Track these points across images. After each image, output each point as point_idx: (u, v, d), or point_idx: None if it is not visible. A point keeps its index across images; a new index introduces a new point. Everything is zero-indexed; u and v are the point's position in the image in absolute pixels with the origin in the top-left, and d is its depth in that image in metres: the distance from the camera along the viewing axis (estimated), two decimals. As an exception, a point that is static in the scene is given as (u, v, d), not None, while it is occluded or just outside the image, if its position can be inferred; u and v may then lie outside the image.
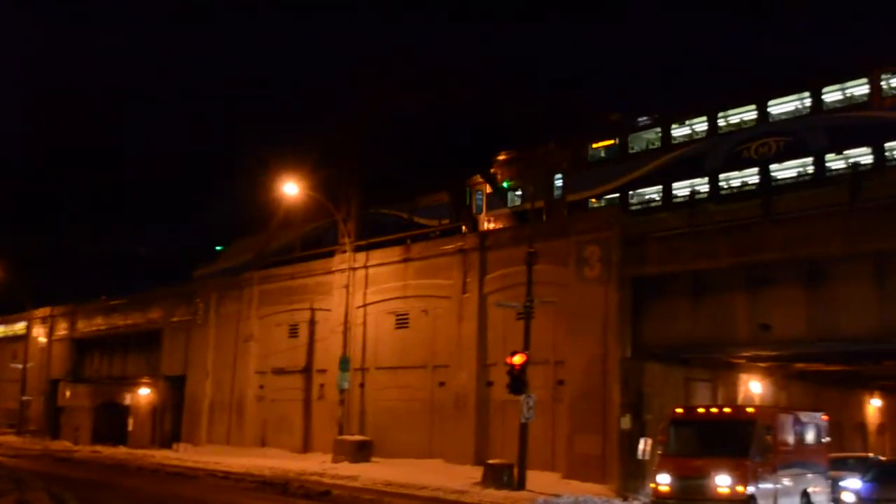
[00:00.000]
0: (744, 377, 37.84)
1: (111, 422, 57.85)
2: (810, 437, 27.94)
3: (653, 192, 38.60)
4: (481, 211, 44.29)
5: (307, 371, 43.85)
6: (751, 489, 23.21)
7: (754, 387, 38.35)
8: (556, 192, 41.44)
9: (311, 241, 49.27)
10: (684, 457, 24.72)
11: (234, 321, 48.13)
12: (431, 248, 39.50)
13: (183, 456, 44.22)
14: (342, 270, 41.55)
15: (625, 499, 28.51)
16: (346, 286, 40.75)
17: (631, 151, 39.97)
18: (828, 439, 29.52)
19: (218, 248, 47.19)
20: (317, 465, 36.82)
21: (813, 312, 28.57)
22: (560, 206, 40.52)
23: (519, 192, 43.50)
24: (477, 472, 31.16)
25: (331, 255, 43.11)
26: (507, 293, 33.37)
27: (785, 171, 34.80)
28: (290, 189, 39.64)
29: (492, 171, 45.04)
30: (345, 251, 41.76)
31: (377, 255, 41.22)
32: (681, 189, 37.13)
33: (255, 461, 38.83)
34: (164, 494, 28.81)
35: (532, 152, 43.12)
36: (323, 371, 42.64)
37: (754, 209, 30.10)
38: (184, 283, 52.28)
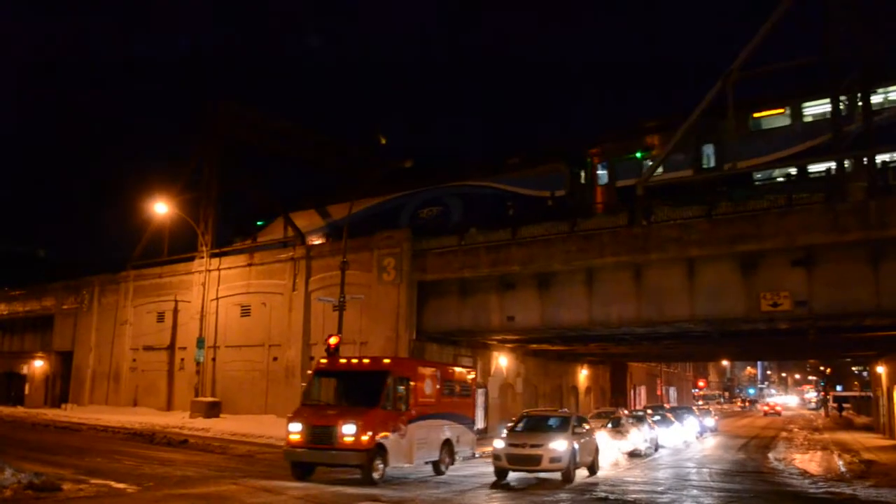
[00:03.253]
0: (495, 354, 38.72)
1: (11, 387, 53.98)
2: (457, 390, 23.41)
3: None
4: (605, 182, 33.58)
5: (171, 348, 41.80)
6: (379, 439, 18.55)
7: (503, 361, 39.28)
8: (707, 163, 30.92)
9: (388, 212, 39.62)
10: (319, 406, 19.91)
11: (114, 309, 45.58)
12: (270, 256, 38.44)
13: (70, 414, 41.33)
14: (200, 272, 39.96)
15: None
16: (203, 284, 39.33)
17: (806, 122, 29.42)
18: (471, 393, 24.76)
19: (259, 223, 42.07)
20: (178, 420, 35.19)
21: (544, 308, 29.52)
22: (713, 178, 29.65)
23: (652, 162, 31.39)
24: (300, 425, 30.68)
25: (192, 259, 41.45)
26: (327, 291, 32.97)
27: None
28: (160, 208, 38.12)
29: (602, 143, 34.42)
30: (202, 257, 40.32)
31: (228, 261, 39.82)
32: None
33: (129, 418, 36.71)
34: (53, 443, 26.74)
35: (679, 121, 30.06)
36: (184, 348, 40.80)
37: (506, 234, 30.89)
38: (73, 279, 49.11)
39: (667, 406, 52.38)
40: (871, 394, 56.47)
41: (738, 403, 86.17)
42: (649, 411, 39.66)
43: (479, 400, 37.04)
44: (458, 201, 38.11)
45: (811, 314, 25.03)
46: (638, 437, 29.17)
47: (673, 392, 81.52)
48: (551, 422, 21.96)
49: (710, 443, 40.42)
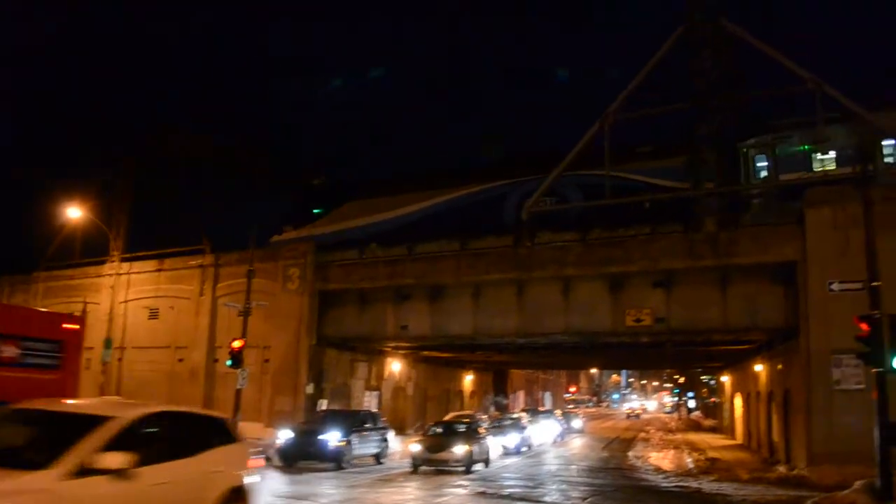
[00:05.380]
0: (389, 359, 38.27)
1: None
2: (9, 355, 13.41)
3: None
4: (760, 175, 27.91)
5: (78, 348, 39.41)
6: None
7: (395, 366, 38.85)
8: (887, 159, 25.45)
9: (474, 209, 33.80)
10: None
11: (22, 309, 42.77)
12: (179, 262, 36.61)
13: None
14: (110, 275, 37.85)
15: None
16: (113, 287, 37.32)
17: None
18: (65, 362, 14.95)
19: (316, 210, 36.19)
20: (80, 418, 33.02)
21: (434, 319, 29.38)
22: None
23: (825, 156, 26.29)
24: (202, 423, 29.20)
25: (103, 262, 39.24)
26: (234, 297, 31.68)
27: None
28: (73, 213, 35.97)
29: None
30: (114, 261, 38.29)
31: (138, 265, 37.80)
32: None
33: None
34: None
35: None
36: (91, 348, 37.59)
37: (402, 250, 30.78)
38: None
39: (541, 409, 53.02)
40: (717, 399, 59.01)
41: (629, 412, 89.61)
42: (526, 414, 40.00)
43: (372, 402, 36.44)
44: (576, 191, 31.25)
45: (669, 329, 25.82)
46: (461, 448, 22.52)
47: (548, 396, 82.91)
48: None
49: (577, 443, 41.07)
